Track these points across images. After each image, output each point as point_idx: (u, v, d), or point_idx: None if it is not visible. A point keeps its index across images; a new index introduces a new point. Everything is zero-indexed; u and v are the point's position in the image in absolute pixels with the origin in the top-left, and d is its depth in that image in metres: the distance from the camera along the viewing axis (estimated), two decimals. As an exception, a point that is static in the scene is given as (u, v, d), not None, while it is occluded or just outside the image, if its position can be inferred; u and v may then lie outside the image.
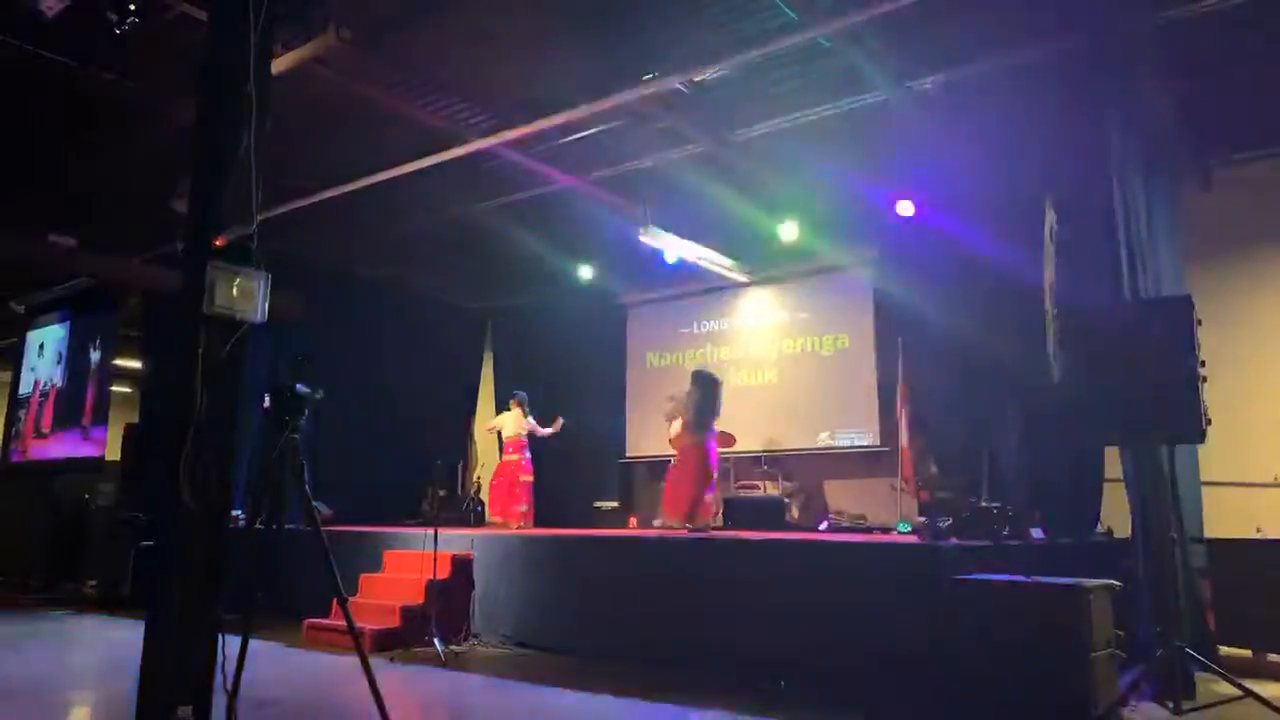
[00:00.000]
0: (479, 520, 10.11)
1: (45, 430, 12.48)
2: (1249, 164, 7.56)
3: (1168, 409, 4.41)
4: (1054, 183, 6.72)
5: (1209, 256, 7.28)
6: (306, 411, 3.63)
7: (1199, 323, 4.49)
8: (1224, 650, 5.73)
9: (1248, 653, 5.84)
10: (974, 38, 6.05)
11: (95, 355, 11.89)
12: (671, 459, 8.86)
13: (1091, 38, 5.79)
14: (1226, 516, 6.50)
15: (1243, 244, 7.54)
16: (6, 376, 14.29)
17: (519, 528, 8.98)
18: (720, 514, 8.97)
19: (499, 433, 9.98)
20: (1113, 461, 6.12)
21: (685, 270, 10.29)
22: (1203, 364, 4.41)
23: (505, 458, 9.74)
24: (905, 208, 8.42)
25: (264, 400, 3.63)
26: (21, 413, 13.24)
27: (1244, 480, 6.86)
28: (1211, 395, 4.44)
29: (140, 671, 3.07)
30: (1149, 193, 6.03)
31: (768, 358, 10.72)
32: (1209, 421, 4.38)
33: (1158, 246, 5.97)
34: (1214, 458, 6.15)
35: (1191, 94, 6.58)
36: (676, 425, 8.71)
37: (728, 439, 10.11)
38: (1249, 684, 4.32)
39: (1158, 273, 5.89)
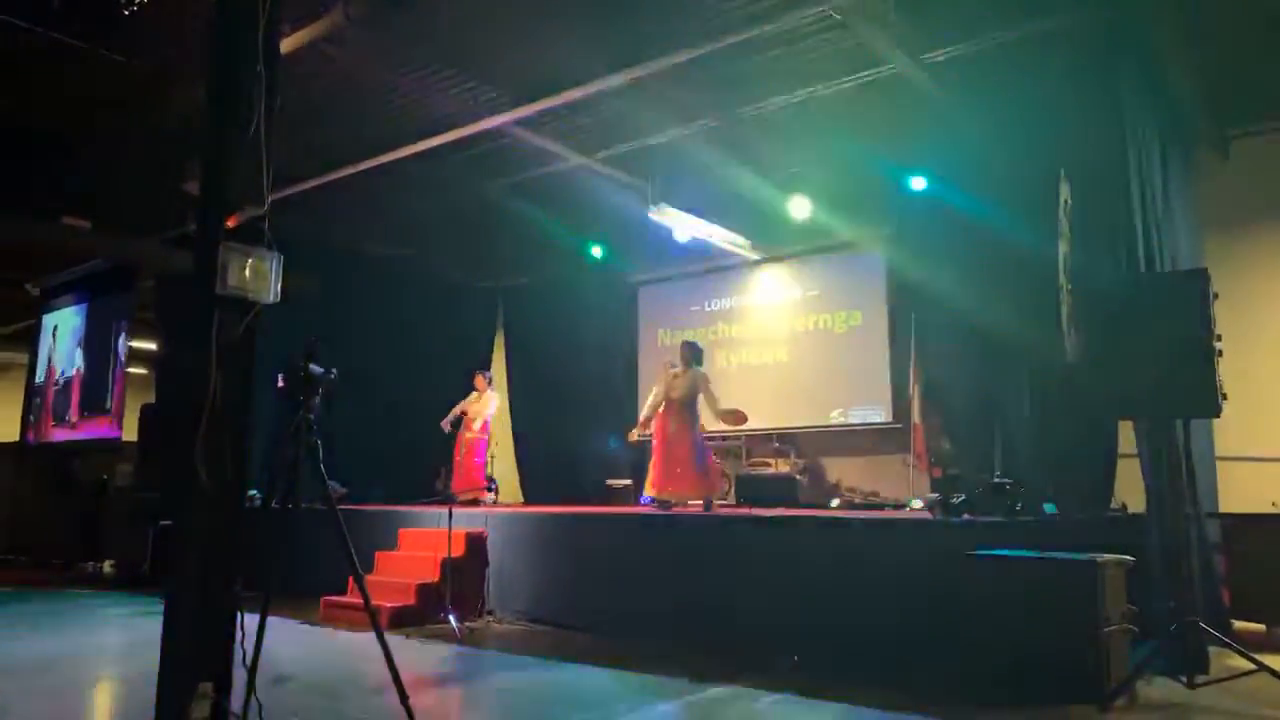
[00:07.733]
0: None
1: (73, 419, 12.48)
2: (1268, 134, 7.44)
3: (1183, 383, 4.37)
4: (1068, 155, 6.64)
5: (1226, 228, 7.20)
6: (320, 391, 3.65)
7: (1215, 296, 4.44)
8: (1238, 625, 5.73)
9: (1262, 627, 5.84)
10: (988, 8, 5.97)
11: (116, 340, 11.93)
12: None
13: (1107, 6, 5.70)
14: (1241, 491, 6.48)
15: (1262, 215, 7.43)
16: (22, 359, 14.41)
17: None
18: (730, 490, 8.95)
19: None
20: (1126, 436, 6.09)
21: (696, 248, 10.23)
22: (1218, 338, 4.36)
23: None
24: (918, 182, 8.35)
25: (277, 380, 3.65)
26: (40, 395, 13.34)
27: (1259, 455, 6.82)
28: (1227, 369, 4.40)
29: (161, 649, 3.12)
30: (1165, 164, 5.96)
31: (779, 335, 10.69)
32: (1224, 396, 4.35)
33: (1174, 219, 5.91)
34: (1229, 432, 6.13)
35: (1209, 62, 6.48)
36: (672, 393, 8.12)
37: (740, 417, 10.11)
38: (1263, 658, 4.31)
39: (1174, 245, 5.82)
